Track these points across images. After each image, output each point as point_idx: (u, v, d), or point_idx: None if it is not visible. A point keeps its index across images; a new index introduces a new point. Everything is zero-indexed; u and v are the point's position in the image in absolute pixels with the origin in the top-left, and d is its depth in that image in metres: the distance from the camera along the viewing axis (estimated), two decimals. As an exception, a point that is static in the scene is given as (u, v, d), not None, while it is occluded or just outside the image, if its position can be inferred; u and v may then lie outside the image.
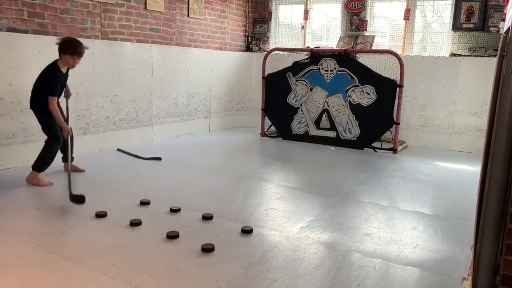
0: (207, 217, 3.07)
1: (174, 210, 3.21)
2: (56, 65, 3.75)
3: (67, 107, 3.96)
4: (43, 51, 4.40)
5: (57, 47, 3.74)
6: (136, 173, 4.29)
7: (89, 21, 4.86)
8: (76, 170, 4.16)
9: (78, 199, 3.28)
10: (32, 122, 4.36)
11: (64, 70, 3.81)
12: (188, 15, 6.27)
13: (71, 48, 3.71)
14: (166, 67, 5.95)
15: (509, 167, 1.54)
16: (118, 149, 5.17)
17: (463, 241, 2.83)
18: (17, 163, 4.25)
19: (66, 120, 3.85)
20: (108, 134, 5.19)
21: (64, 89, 3.93)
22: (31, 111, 4.33)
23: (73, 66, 3.82)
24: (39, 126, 4.41)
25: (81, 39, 4.72)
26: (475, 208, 2.03)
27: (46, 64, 4.45)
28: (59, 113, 3.75)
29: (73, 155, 4.13)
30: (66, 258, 2.41)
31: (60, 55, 3.74)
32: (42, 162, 3.77)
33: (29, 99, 3.83)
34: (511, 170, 1.54)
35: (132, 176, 4.15)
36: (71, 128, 3.85)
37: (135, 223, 2.92)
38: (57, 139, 3.79)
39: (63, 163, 4.16)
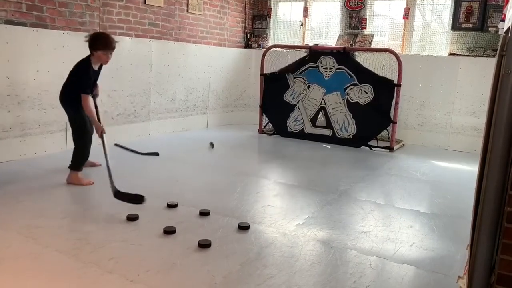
0: (204, 213, 3.08)
1: (171, 206, 3.21)
2: (89, 61, 3.62)
3: (96, 106, 3.82)
4: (41, 44, 4.38)
5: (83, 43, 3.61)
6: (133, 168, 4.28)
7: (87, 15, 4.84)
8: (92, 165, 4.13)
9: (132, 199, 3.19)
10: (30, 115, 4.36)
11: (96, 67, 3.71)
12: (187, 11, 6.25)
13: (102, 44, 3.57)
14: (164, 63, 5.93)
15: (506, 167, 1.55)
16: (116, 144, 5.16)
17: (459, 240, 2.84)
18: (14, 156, 4.24)
19: (98, 119, 3.72)
20: (105, 129, 5.15)
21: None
22: (28, 105, 4.33)
23: (106, 62, 3.69)
24: (37, 120, 4.43)
25: (79, 33, 4.73)
26: (471, 207, 2.04)
27: (44, 57, 4.44)
28: (93, 112, 3.63)
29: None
30: (62, 252, 2.40)
31: (91, 52, 3.61)
32: (77, 160, 3.70)
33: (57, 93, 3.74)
34: (508, 169, 1.54)
35: (130, 171, 4.14)
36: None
37: (132, 218, 2.92)
38: (85, 134, 3.71)
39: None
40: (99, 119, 3.71)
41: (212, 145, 5.08)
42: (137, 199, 3.21)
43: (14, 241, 2.52)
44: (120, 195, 3.24)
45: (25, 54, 4.26)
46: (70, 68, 4.71)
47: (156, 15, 5.74)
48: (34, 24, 4.32)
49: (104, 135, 3.62)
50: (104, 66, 3.82)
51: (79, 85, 3.56)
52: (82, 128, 3.70)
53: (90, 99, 3.65)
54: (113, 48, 3.65)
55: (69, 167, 3.71)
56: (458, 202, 3.69)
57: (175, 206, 3.21)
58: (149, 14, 5.63)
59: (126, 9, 5.30)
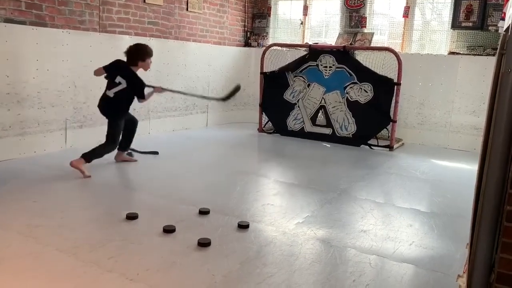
0: (203, 212, 3.07)
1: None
2: (136, 73, 4.08)
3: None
4: (41, 43, 4.38)
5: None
6: (133, 166, 4.28)
7: (87, 13, 4.83)
8: (129, 160, 4.42)
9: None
10: (29, 114, 4.36)
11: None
12: (187, 9, 6.24)
13: (148, 53, 4.08)
14: (164, 61, 5.92)
15: (506, 166, 1.55)
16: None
17: (458, 239, 2.85)
18: (13, 155, 4.24)
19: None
20: (105, 128, 5.13)
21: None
22: (28, 104, 4.33)
23: (150, 68, 4.19)
24: (36, 118, 4.42)
25: (78, 32, 4.73)
26: (471, 206, 2.04)
27: (44, 56, 4.44)
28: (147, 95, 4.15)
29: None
30: (62, 251, 2.40)
31: (133, 64, 4.04)
32: (93, 154, 3.88)
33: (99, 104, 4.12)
34: (508, 168, 1.54)
35: (129, 170, 4.14)
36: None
37: (131, 217, 2.91)
38: (113, 143, 4.03)
39: (117, 151, 4.32)
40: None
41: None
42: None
43: (14, 241, 2.52)
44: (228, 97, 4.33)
45: (25, 53, 4.25)
46: (70, 67, 4.72)
47: (156, 13, 5.73)
48: (33, 22, 4.32)
49: (163, 88, 4.37)
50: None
51: (140, 94, 4.06)
52: (116, 136, 4.03)
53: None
54: (152, 54, 4.15)
55: (82, 154, 3.82)
56: (457, 201, 3.69)
57: (175, 205, 3.20)
58: (148, 13, 5.62)
59: (126, 7, 5.29)
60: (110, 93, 3.98)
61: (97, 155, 3.92)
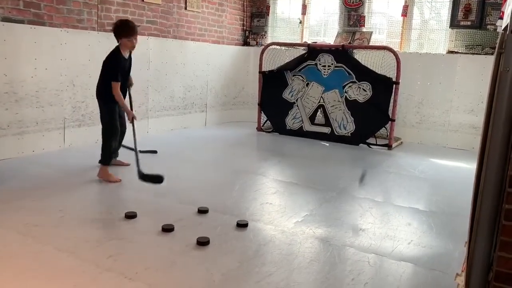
0: (202, 211, 3.07)
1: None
2: (118, 50, 3.71)
3: (129, 95, 4.01)
4: (39, 41, 4.37)
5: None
6: (132, 166, 4.27)
7: (85, 12, 4.82)
8: (121, 164, 4.18)
9: (154, 179, 3.52)
10: (28, 113, 4.35)
11: (126, 55, 3.77)
12: (185, 8, 6.23)
13: (124, 30, 3.68)
14: (162, 60, 5.92)
15: (505, 165, 1.55)
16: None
17: (457, 238, 2.85)
18: (11, 154, 4.23)
19: (131, 107, 3.95)
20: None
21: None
22: (26, 103, 4.33)
23: (133, 47, 3.78)
24: (34, 118, 4.42)
25: (77, 30, 4.72)
26: (469, 204, 2.04)
27: (42, 55, 4.43)
28: (123, 98, 3.71)
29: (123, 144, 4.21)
30: (61, 250, 2.40)
31: (117, 41, 3.71)
32: (106, 155, 3.77)
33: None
34: (506, 167, 1.54)
35: (128, 169, 4.13)
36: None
37: (130, 216, 2.91)
38: (112, 129, 3.78)
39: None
40: (131, 107, 3.93)
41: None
42: (158, 178, 3.52)
43: (13, 240, 2.51)
44: (144, 178, 3.56)
45: (23, 52, 4.24)
46: (68, 66, 4.71)
47: (154, 12, 5.72)
48: (31, 21, 4.31)
49: (135, 121, 3.81)
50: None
51: (110, 73, 3.63)
52: (111, 123, 3.78)
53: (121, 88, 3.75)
54: (136, 33, 3.74)
55: (99, 162, 3.78)
56: (456, 199, 3.70)
57: (173, 204, 3.20)
58: (147, 12, 5.61)
59: (124, 6, 5.28)
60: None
61: (109, 152, 3.79)
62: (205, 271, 2.26)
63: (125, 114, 3.83)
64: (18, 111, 4.26)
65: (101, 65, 3.80)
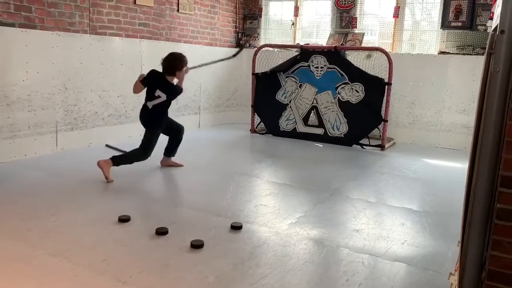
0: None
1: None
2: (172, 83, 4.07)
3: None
4: (31, 45, 4.34)
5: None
6: (124, 169, 4.25)
7: (77, 15, 4.80)
8: (175, 165, 4.37)
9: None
10: (20, 117, 4.32)
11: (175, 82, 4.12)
12: (177, 10, 6.22)
13: (178, 64, 4.06)
14: (155, 62, 5.84)
15: (496, 164, 1.56)
16: (107, 145, 5.13)
17: (450, 237, 2.87)
18: (3, 158, 4.19)
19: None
20: (96, 130, 5.14)
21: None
22: (18, 106, 4.30)
23: (183, 78, 4.16)
24: (26, 121, 4.39)
25: (69, 33, 4.69)
26: (462, 204, 2.06)
27: (34, 58, 4.42)
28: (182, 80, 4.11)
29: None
30: (53, 255, 2.38)
31: (169, 74, 4.04)
32: (122, 159, 3.87)
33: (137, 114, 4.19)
34: (497, 167, 1.56)
35: (121, 172, 4.11)
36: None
37: (123, 219, 2.90)
38: (145, 153, 3.95)
39: (163, 156, 4.37)
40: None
41: None
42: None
43: (5, 244, 2.49)
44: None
45: (14, 55, 4.22)
46: (60, 69, 4.69)
47: (147, 14, 5.71)
48: (22, 24, 4.28)
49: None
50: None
51: (180, 92, 4.12)
52: (150, 145, 3.95)
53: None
54: (187, 62, 4.18)
55: (112, 156, 3.83)
56: (449, 199, 3.72)
57: (167, 206, 3.19)
58: (139, 14, 5.60)
59: (116, 9, 5.26)
60: (150, 105, 3.99)
61: (127, 161, 3.90)
62: (199, 274, 2.26)
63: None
64: (9, 115, 4.23)
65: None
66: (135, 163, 3.98)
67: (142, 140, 4.01)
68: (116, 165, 3.81)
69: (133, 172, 4.17)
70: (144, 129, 4.06)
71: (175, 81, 4.12)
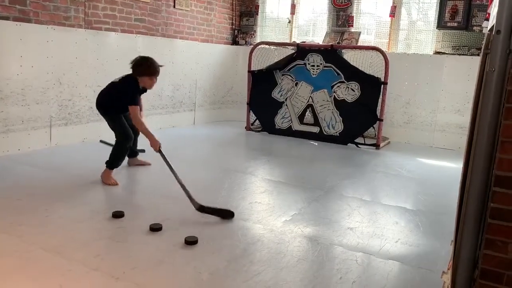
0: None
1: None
2: (137, 81, 3.70)
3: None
4: (25, 39, 4.30)
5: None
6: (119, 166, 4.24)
7: (72, 9, 4.77)
8: (142, 164, 4.21)
9: (223, 213, 3.02)
10: (13, 111, 4.28)
11: (140, 87, 3.76)
12: (174, 6, 6.20)
13: (147, 70, 3.70)
14: (151, 59, 5.86)
15: (490, 164, 1.57)
16: (101, 141, 5.09)
17: (443, 236, 2.88)
18: (-3, 153, 4.17)
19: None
20: (90, 125, 5.11)
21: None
22: (11, 101, 4.26)
23: (151, 87, 3.78)
24: (20, 116, 4.36)
25: (64, 28, 4.66)
26: (456, 203, 2.07)
27: (28, 52, 4.37)
28: (144, 124, 3.66)
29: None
30: (47, 250, 2.37)
31: (136, 75, 3.69)
32: (114, 159, 3.71)
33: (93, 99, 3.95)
34: (491, 166, 1.57)
35: (116, 169, 4.09)
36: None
37: (117, 215, 2.89)
38: (126, 138, 3.77)
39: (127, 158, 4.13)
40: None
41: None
42: (224, 213, 3.02)
43: (-3, 239, 2.48)
44: (205, 210, 3.04)
45: (8, 49, 4.18)
46: (54, 63, 4.65)
47: (143, 10, 5.68)
48: (17, 18, 4.24)
49: (161, 149, 3.59)
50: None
51: (129, 99, 3.60)
52: (125, 134, 3.76)
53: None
54: (158, 74, 3.75)
55: (105, 163, 3.70)
56: (442, 198, 3.74)
57: (161, 203, 3.18)
58: (135, 9, 5.57)
59: (112, 3, 5.23)
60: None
61: (120, 157, 3.76)
62: (193, 271, 2.25)
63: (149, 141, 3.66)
64: (3, 109, 4.19)
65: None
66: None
67: (114, 131, 3.81)
68: (114, 167, 3.71)
69: (128, 168, 4.16)
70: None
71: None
